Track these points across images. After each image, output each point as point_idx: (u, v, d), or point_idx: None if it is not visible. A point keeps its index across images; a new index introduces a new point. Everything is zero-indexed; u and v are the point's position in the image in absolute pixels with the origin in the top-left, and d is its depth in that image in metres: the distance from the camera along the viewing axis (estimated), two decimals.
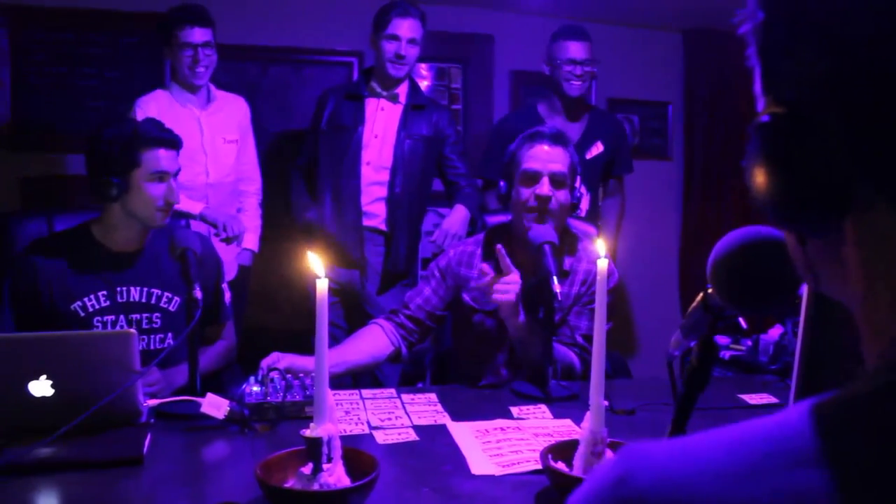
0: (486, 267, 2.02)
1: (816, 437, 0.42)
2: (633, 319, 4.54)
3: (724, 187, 4.60)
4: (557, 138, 2.19)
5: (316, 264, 1.33)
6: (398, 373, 2.87)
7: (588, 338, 2.22)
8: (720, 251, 0.86)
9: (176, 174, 2.08)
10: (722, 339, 3.28)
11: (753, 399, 2.08)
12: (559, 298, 1.96)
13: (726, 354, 3.13)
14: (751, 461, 0.43)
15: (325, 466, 1.29)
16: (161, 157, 2.03)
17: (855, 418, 0.43)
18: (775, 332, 2.86)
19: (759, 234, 0.84)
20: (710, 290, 0.92)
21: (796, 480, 0.41)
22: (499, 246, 2.00)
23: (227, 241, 2.79)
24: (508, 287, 1.99)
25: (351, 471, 1.33)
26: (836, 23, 0.46)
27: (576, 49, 3.21)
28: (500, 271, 2.10)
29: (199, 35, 2.92)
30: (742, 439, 0.44)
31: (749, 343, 3.04)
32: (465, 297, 2.27)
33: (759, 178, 0.52)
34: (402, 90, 3.15)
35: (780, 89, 0.51)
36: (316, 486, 1.27)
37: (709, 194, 4.60)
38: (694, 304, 0.97)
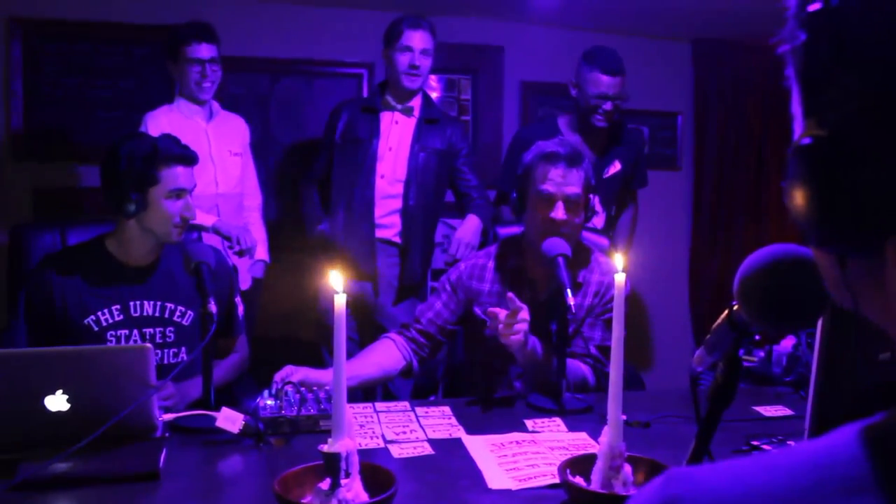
0: (511, 296, 1.99)
1: (870, 462, 0.42)
2: (643, 330, 4.52)
3: (734, 198, 4.59)
4: (574, 159, 2.15)
5: (335, 280, 1.32)
6: (410, 385, 2.86)
7: (602, 349, 2.21)
8: (750, 269, 0.85)
9: (192, 190, 2.09)
10: None
11: (768, 411, 2.07)
12: (573, 311, 1.95)
13: None
14: (804, 486, 0.42)
15: (343, 482, 1.28)
16: (179, 175, 2.04)
17: None
18: (788, 342, 2.84)
19: (788, 252, 0.84)
20: (735, 307, 0.91)
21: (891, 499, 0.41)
22: (510, 294, 1.98)
23: (241, 253, 2.81)
24: (518, 327, 1.97)
25: (369, 486, 1.33)
26: (882, 44, 0.46)
27: (608, 84, 3.06)
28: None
29: (206, 51, 2.96)
30: (792, 464, 0.44)
31: (762, 354, 3.01)
32: (477, 310, 2.26)
33: (800, 199, 0.51)
34: (416, 103, 3.16)
35: (822, 111, 0.50)
36: (334, 502, 1.27)
37: (719, 205, 4.59)
38: (719, 320, 0.96)
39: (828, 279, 0.57)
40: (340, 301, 1.29)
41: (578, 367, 2.20)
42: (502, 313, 1.97)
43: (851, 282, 0.53)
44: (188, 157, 2.07)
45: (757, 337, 3.18)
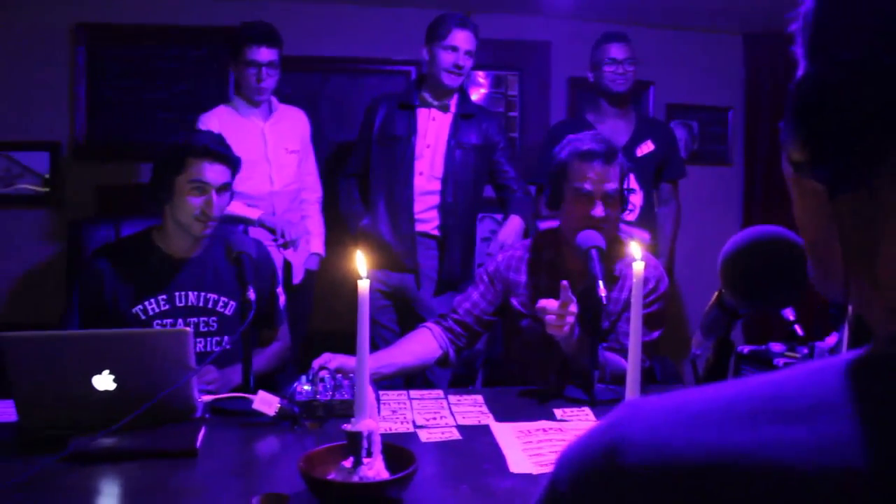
0: (565, 285, 2.01)
1: (838, 388, 0.45)
2: (690, 328, 4.48)
3: (786, 193, 4.47)
4: (609, 156, 2.16)
5: (360, 264, 1.38)
6: (449, 375, 2.90)
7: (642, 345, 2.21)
8: (725, 251, 0.88)
9: (222, 189, 2.13)
10: (777, 347, 3.21)
11: None
12: (605, 303, 1.96)
13: (780, 362, 3.07)
14: (745, 411, 0.45)
15: (364, 460, 1.34)
16: (205, 169, 2.09)
17: (884, 372, 0.45)
18: (832, 339, 2.79)
19: (763, 232, 0.86)
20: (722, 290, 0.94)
21: (806, 429, 0.44)
22: (564, 282, 2.00)
23: (285, 246, 2.88)
24: (568, 319, 1.98)
25: (390, 465, 1.38)
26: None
27: (616, 50, 3.29)
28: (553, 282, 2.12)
29: (265, 54, 3.00)
30: (741, 391, 0.47)
31: (805, 351, 2.97)
32: (514, 301, 2.29)
33: (792, 130, 0.54)
34: (452, 99, 3.19)
35: (829, 48, 0.54)
36: (356, 479, 1.33)
37: (770, 200, 4.50)
38: (710, 303, 0.98)
39: (822, 237, 0.58)
40: (364, 286, 1.34)
41: (620, 362, 2.21)
42: (553, 304, 1.99)
43: (844, 227, 0.54)
44: (218, 154, 2.11)
45: (801, 334, 3.13)
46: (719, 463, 0.44)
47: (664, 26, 4.27)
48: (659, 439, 0.46)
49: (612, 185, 2.14)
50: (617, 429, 0.48)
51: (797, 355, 3.02)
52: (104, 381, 1.63)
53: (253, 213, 2.87)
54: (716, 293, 0.96)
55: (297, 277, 3.19)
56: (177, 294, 2.15)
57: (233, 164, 2.17)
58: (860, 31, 0.51)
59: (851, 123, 0.50)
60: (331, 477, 1.36)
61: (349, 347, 2.04)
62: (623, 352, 2.22)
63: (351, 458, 1.35)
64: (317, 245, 3.32)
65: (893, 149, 0.49)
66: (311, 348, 2.46)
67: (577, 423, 1.85)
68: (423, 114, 3.17)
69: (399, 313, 3.23)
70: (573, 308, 1.98)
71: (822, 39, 0.55)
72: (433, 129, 3.16)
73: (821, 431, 0.43)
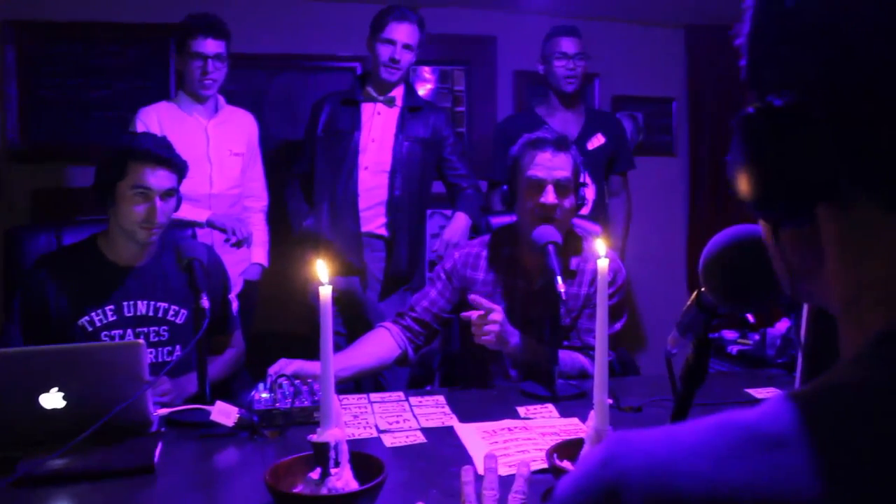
0: (478, 299, 2.05)
1: (796, 422, 0.45)
2: (641, 317, 4.53)
3: (730, 182, 4.59)
4: (560, 144, 2.18)
5: (321, 271, 1.34)
6: (405, 376, 2.87)
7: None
8: (709, 251, 0.87)
9: (167, 195, 2.06)
10: (729, 334, 3.29)
11: (760, 393, 2.08)
12: (564, 298, 1.96)
13: (734, 349, 3.14)
14: (732, 443, 0.46)
15: (332, 471, 1.30)
16: (146, 174, 2.02)
17: (832, 406, 0.46)
18: (782, 325, 2.86)
19: (745, 232, 0.85)
20: (703, 290, 0.93)
21: (775, 461, 0.44)
22: (473, 296, 2.02)
23: (238, 244, 2.78)
24: (489, 328, 2.02)
25: (359, 474, 1.35)
26: (823, 25, 0.49)
27: (567, 44, 3.30)
28: (508, 274, 2.12)
29: (211, 46, 2.90)
30: (724, 425, 0.47)
31: (756, 337, 3.04)
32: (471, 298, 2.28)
33: (739, 167, 0.55)
34: (398, 93, 3.14)
35: (767, 88, 0.54)
36: (324, 491, 1.29)
37: (716, 190, 4.59)
38: (688, 302, 0.98)
39: (772, 256, 0.59)
40: (326, 292, 1.30)
41: (577, 359, 2.22)
42: (475, 315, 2.02)
43: (787, 254, 0.56)
44: (160, 158, 2.04)
45: (752, 321, 3.19)
46: (719, 495, 0.44)
47: (608, 19, 4.30)
48: (659, 476, 0.46)
49: (563, 173, 2.15)
50: (613, 466, 0.48)
51: (749, 342, 3.09)
52: (53, 400, 1.55)
53: (201, 216, 2.78)
54: (695, 292, 0.95)
55: (236, 288, 3.00)
56: (125, 304, 2.07)
57: (178, 168, 2.09)
58: (791, 72, 0.52)
59: (790, 176, 0.52)
60: (298, 490, 1.33)
61: (293, 352, 2.02)
62: (584, 349, 2.24)
63: (318, 469, 1.31)
64: (259, 255, 3.19)
65: (828, 196, 0.51)
66: (257, 352, 2.41)
67: (541, 420, 1.85)
68: (367, 108, 3.12)
69: (345, 317, 3.17)
70: (496, 316, 2.02)
71: (758, 74, 0.57)
72: (378, 123, 3.11)
73: (786, 461, 0.44)
